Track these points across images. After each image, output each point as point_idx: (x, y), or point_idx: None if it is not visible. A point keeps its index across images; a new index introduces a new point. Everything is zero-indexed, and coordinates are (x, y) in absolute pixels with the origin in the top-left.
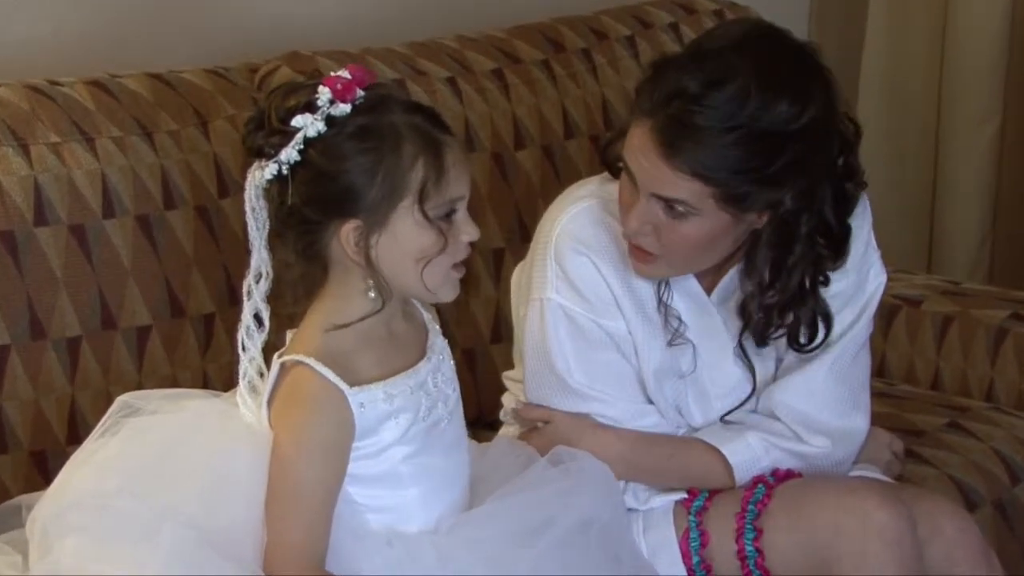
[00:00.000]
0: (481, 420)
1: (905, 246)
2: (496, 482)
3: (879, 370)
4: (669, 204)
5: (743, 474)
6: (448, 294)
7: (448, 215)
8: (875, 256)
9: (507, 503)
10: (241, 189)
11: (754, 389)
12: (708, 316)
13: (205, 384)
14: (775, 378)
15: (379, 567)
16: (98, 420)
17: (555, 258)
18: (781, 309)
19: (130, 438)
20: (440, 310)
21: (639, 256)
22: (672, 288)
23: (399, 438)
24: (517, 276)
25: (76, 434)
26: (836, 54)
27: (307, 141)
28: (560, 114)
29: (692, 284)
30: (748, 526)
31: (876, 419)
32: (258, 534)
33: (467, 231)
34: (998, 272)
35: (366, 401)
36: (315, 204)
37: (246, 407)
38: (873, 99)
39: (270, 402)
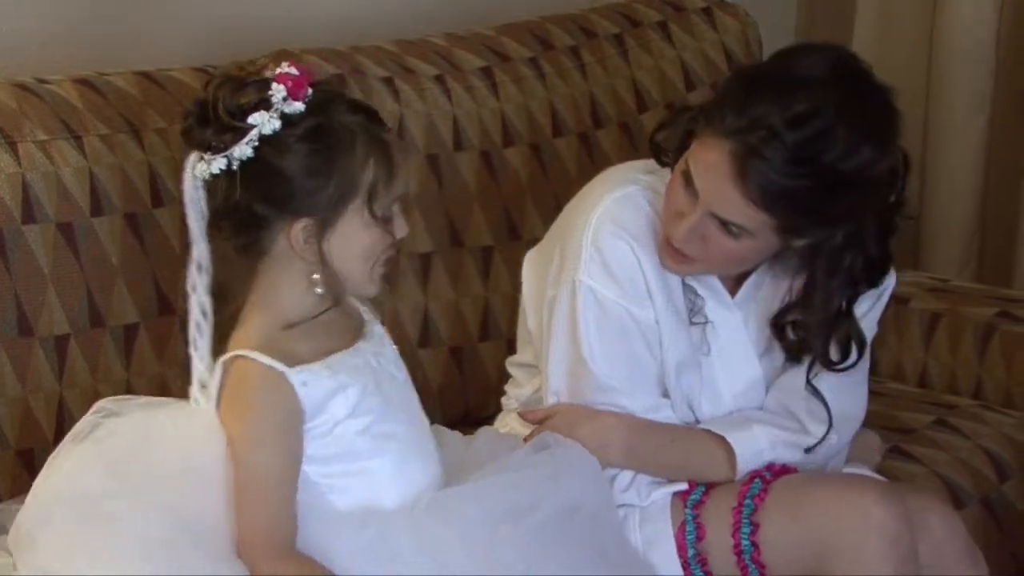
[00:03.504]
0: (469, 417)
1: (893, 243)
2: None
3: None
4: (725, 224)
5: (745, 465)
6: (374, 289)
7: (387, 214)
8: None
9: (490, 483)
10: None
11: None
12: (728, 312)
13: None
14: (783, 370)
15: (352, 551)
16: None
17: (592, 240)
18: (820, 329)
19: (103, 439)
20: (427, 309)
21: (676, 257)
22: (696, 280)
23: (350, 412)
24: (532, 258)
25: (64, 433)
26: None
27: (261, 138)
28: (549, 112)
29: (716, 284)
30: (744, 520)
31: (865, 416)
32: (234, 525)
33: (400, 227)
34: (986, 270)
35: (308, 379)
36: (266, 201)
37: (198, 406)
38: None
39: (219, 403)
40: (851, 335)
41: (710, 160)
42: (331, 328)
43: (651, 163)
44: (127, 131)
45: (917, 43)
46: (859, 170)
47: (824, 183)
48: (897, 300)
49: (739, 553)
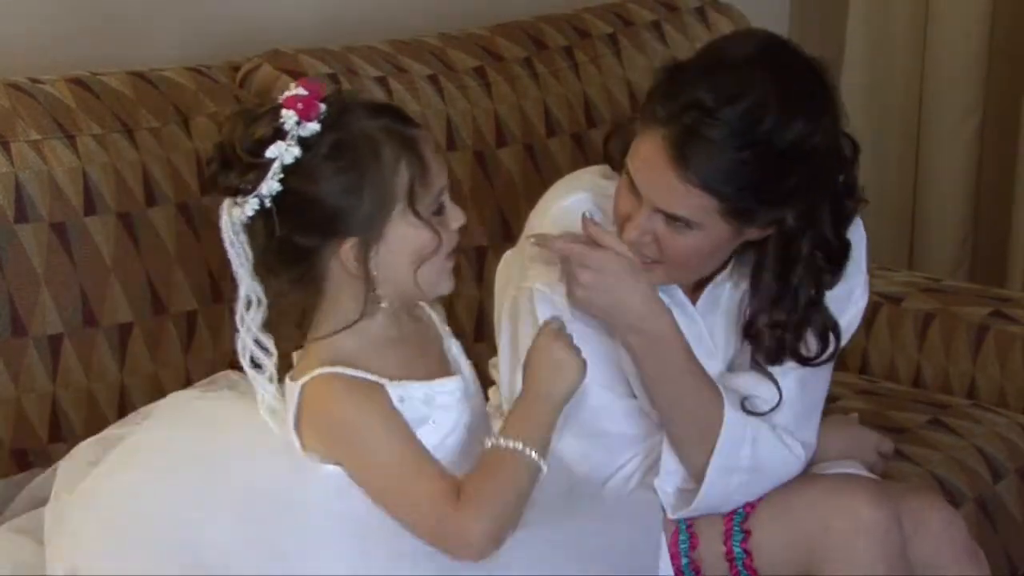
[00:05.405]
0: None
1: (886, 243)
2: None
3: (861, 367)
4: (671, 217)
5: (723, 444)
6: (446, 286)
7: (438, 209)
8: (861, 279)
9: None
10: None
11: (780, 400)
12: (692, 324)
13: (187, 382)
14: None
15: None
16: (80, 419)
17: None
18: (796, 327)
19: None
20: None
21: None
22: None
23: (434, 447)
24: (507, 259)
25: (58, 432)
26: (816, 52)
27: (285, 169)
28: (542, 112)
29: (677, 293)
30: (736, 528)
31: (858, 416)
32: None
33: (455, 217)
34: (979, 269)
35: (405, 396)
36: (307, 231)
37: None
38: (854, 96)
39: (298, 426)
40: (826, 324)
41: (646, 153)
42: (411, 345)
43: (604, 168)
44: (120, 131)
45: (910, 46)
46: (796, 142)
47: (761, 156)
48: (890, 300)
49: (731, 560)
